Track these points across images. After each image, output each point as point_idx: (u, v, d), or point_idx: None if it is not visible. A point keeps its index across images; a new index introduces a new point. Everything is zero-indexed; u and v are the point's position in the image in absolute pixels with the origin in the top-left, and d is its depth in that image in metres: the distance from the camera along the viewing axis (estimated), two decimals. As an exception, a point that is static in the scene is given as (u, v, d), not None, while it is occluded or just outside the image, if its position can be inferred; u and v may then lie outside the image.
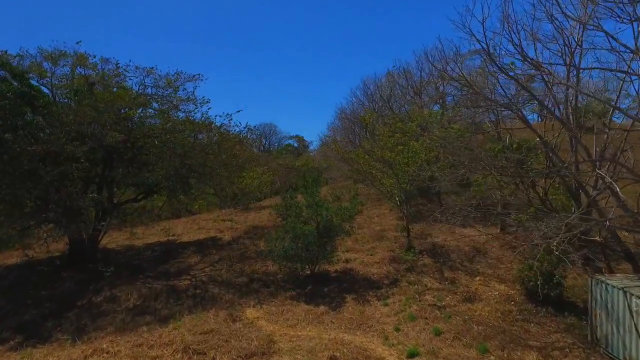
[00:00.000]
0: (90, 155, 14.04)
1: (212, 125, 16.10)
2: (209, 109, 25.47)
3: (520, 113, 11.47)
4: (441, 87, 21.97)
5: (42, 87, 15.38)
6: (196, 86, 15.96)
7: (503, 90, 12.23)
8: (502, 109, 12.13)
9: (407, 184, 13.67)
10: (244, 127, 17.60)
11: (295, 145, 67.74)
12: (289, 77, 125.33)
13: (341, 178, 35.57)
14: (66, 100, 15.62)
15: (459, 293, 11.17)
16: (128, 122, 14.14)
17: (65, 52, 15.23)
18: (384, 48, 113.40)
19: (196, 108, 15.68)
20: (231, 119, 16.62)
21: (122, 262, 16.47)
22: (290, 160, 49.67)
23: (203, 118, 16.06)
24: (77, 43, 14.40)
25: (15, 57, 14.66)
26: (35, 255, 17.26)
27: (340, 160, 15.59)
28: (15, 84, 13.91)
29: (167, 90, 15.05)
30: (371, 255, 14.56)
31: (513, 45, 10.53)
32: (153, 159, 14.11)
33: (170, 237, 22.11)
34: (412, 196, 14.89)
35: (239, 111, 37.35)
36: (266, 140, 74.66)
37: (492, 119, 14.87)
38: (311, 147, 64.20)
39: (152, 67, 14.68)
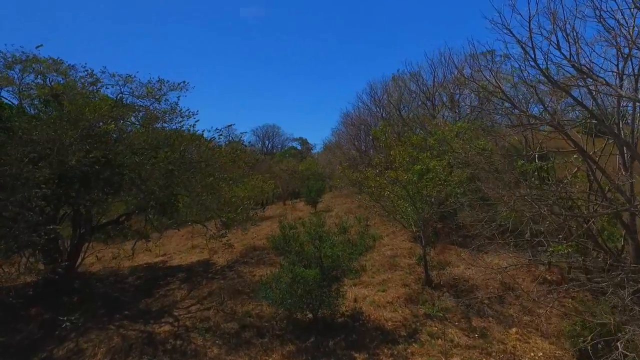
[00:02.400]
0: (61, 177, 12.15)
1: (202, 140, 14.12)
2: (196, 121, 23.43)
3: (567, 134, 9.49)
4: (456, 93, 19.89)
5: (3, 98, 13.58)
6: (180, 96, 14.01)
7: (542, 103, 10.24)
8: (546, 126, 10.06)
9: (426, 211, 11.64)
10: (241, 133, 15.57)
11: (299, 147, 65.82)
12: (294, 79, 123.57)
13: (345, 186, 33.63)
14: (35, 112, 13.76)
15: (493, 354, 9.13)
16: (103, 137, 12.17)
17: (36, 57, 13.39)
18: (393, 50, 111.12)
19: (182, 121, 13.70)
20: (221, 134, 14.63)
21: (101, 292, 14.61)
22: (293, 164, 47.77)
23: (189, 132, 14.09)
24: (37, 47, 12.47)
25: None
26: (10, 280, 15.42)
27: (348, 183, 13.40)
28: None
29: (148, 101, 13.08)
30: (383, 291, 12.55)
31: (559, 49, 8.59)
32: (130, 179, 12.14)
33: (160, 258, 20.29)
34: (431, 223, 12.86)
35: (229, 126, 35.29)
36: (269, 142, 72.91)
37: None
38: (315, 150, 62.27)
39: (131, 75, 12.76)
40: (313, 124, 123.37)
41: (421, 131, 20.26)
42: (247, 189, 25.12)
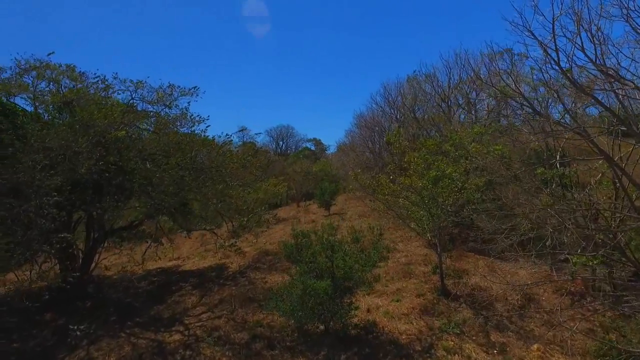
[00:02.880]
0: (74, 183, 12.18)
1: (213, 145, 13.98)
2: (207, 126, 23.43)
3: (594, 141, 8.96)
4: (473, 94, 19.31)
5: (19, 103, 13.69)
6: (190, 101, 13.88)
7: (565, 108, 9.73)
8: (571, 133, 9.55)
9: (442, 219, 11.23)
10: (255, 134, 15.42)
11: (313, 148, 65.58)
12: (308, 80, 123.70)
13: (359, 189, 33.29)
14: (49, 118, 13.84)
15: (514, 373, 8.70)
16: (114, 144, 12.14)
17: (49, 63, 13.48)
18: (407, 51, 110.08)
19: (192, 126, 13.59)
20: (231, 140, 14.46)
21: (113, 298, 14.65)
22: (307, 165, 47.58)
23: (200, 136, 13.98)
24: (49, 54, 12.53)
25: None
26: (25, 286, 15.58)
27: (363, 191, 13.06)
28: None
29: (159, 107, 12.99)
30: (397, 301, 12.19)
31: (583, 51, 8.10)
32: (141, 186, 12.07)
33: (173, 261, 20.33)
34: (446, 229, 12.44)
35: (242, 129, 35.39)
36: (283, 143, 72.90)
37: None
38: (329, 151, 61.92)
39: (142, 81, 12.68)
40: (327, 125, 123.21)
41: (437, 134, 19.77)
42: (260, 192, 25.05)
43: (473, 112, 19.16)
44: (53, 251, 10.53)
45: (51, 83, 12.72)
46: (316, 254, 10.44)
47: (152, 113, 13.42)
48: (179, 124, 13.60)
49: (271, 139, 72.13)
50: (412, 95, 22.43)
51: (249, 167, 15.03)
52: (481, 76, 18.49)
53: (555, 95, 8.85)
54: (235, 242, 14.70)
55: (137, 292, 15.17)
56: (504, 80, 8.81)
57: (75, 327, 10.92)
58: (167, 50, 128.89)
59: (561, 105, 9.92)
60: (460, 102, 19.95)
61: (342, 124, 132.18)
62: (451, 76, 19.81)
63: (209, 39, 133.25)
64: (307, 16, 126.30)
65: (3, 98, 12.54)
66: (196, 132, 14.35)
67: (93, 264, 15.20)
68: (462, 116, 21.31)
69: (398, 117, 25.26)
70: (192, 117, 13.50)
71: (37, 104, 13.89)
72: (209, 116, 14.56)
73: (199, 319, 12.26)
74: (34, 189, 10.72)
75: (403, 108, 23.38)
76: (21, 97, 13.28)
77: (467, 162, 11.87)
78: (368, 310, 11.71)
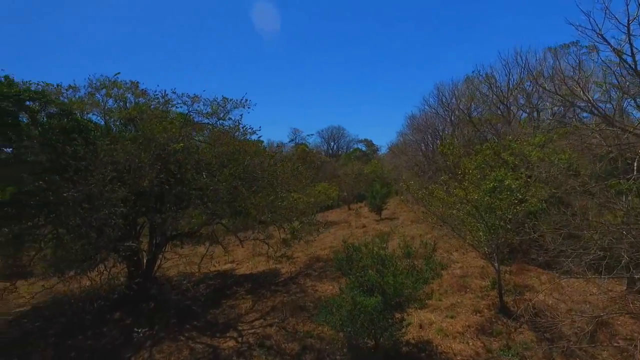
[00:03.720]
0: (138, 193, 13.06)
1: (264, 154, 14.31)
2: (259, 137, 24.04)
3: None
4: (534, 97, 18.00)
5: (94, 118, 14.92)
6: (243, 113, 14.32)
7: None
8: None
9: (500, 234, 10.58)
10: (307, 135, 15.56)
11: (364, 149, 65.03)
12: (361, 80, 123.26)
13: (411, 200, 32.42)
14: (117, 130, 14.95)
15: (583, 407, 7.97)
16: (172, 157, 12.81)
17: (116, 81, 14.56)
18: (461, 52, 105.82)
19: (245, 137, 13.99)
20: (281, 150, 14.70)
21: (174, 300, 15.51)
22: (358, 167, 47.31)
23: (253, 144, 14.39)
24: (116, 75, 13.49)
25: (67, 89, 14.26)
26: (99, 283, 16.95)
27: (416, 202, 12.67)
28: (66, 119, 13.41)
29: (212, 119, 13.55)
30: (452, 317, 11.69)
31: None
32: (197, 196, 12.64)
33: (229, 264, 21.10)
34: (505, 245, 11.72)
35: (291, 141, 35.95)
36: (334, 143, 73.08)
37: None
38: (380, 152, 61.11)
39: (198, 95, 13.30)
40: (378, 126, 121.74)
41: (494, 137, 18.70)
42: (311, 196, 25.24)
43: (535, 115, 17.85)
44: (120, 258, 11.34)
45: (118, 100, 13.68)
46: (366, 267, 10.30)
47: (207, 125, 14.02)
48: (232, 134, 14.07)
49: (322, 140, 72.71)
50: (468, 96, 21.38)
51: (299, 176, 15.22)
52: (544, 75, 17.24)
53: (634, 102, 7.97)
54: (285, 253, 14.92)
55: (196, 295, 15.92)
56: (569, 88, 8.08)
57: (140, 330, 11.67)
58: (218, 58, 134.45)
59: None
60: (521, 104, 18.70)
61: (393, 124, 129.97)
62: (510, 76, 18.65)
63: (256, 40, 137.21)
64: (358, 15, 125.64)
65: (78, 115, 13.68)
66: (249, 137, 14.86)
67: (156, 267, 16.19)
68: (523, 114, 20.01)
69: (452, 119, 24.25)
70: (244, 128, 13.93)
71: (107, 118, 15.07)
72: (260, 127, 15.17)
73: (252, 325, 12.60)
74: (103, 200, 11.64)
75: (457, 110, 22.38)
76: (93, 114, 14.42)
77: (527, 171, 11.06)
78: (420, 326, 11.35)
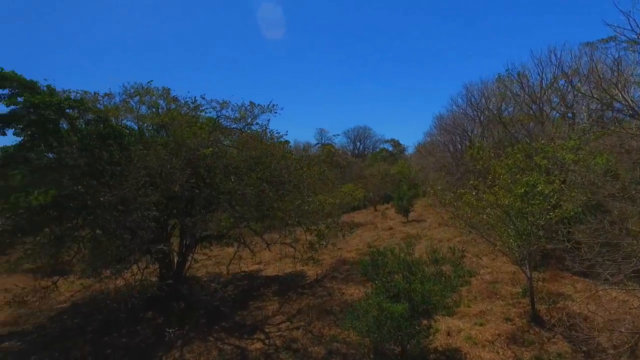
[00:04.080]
0: (169, 197, 13.49)
1: (291, 158, 14.47)
2: (286, 141, 24.34)
3: None
4: (569, 96, 17.30)
5: (129, 124, 15.52)
6: (270, 118, 14.57)
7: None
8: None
9: (532, 241, 10.26)
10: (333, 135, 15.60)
11: (390, 149, 64.41)
12: (387, 80, 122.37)
13: (439, 205, 31.84)
14: (149, 135, 15.49)
15: None
16: (202, 162, 13.16)
17: (149, 87, 15.09)
18: (489, 51, 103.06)
19: (272, 142, 14.18)
20: (307, 151, 14.84)
21: (203, 300, 15.88)
22: (384, 167, 46.92)
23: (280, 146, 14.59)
24: (149, 82, 13.96)
25: (103, 96, 14.91)
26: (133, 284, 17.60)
27: (443, 207, 12.46)
28: (102, 125, 14.02)
29: (240, 124, 13.82)
30: (481, 325, 11.43)
31: None
32: (226, 200, 12.92)
33: (256, 265, 21.41)
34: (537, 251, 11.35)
35: (318, 143, 36.04)
36: (360, 144, 72.80)
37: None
38: (407, 152, 60.34)
39: (226, 100, 13.62)
40: (406, 125, 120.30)
41: (526, 138, 18.12)
42: (337, 197, 25.23)
43: (570, 115, 17.14)
44: (152, 260, 11.74)
45: (151, 107, 14.17)
46: (392, 273, 10.24)
47: (235, 130, 14.31)
48: (259, 139, 14.30)
49: (348, 140, 72.55)
50: (499, 96, 20.77)
51: (325, 180, 15.28)
52: (580, 73, 16.59)
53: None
54: (312, 256, 15.04)
55: (224, 296, 16.26)
56: (605, 90, 7.76)
57: (171, 330, 12.05)
58: (242, 59, 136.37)
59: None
60: (555, 104, 18.02)
61: (420, 125, 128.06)
62: (543, 75, 17.98)
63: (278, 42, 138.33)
64: (386, 16, 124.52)
65: (113, 121, 14.26)
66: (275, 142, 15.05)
67: (186, 267, 16.66)
68: (557, 115, 19.26)
69: (482, 119, 23.64)
70: (271, 133, 14.13)
71: (140, 123, 15.63)
72: (287, 132, 15.26)
73: (279, 328, 12.77)
74: (137, 204, 12.09)
75: (487, 110, 21.79)
76: (127, 119, 14.99)
77: (561, 175, 10.67)
78: (448, 334, 11.16)
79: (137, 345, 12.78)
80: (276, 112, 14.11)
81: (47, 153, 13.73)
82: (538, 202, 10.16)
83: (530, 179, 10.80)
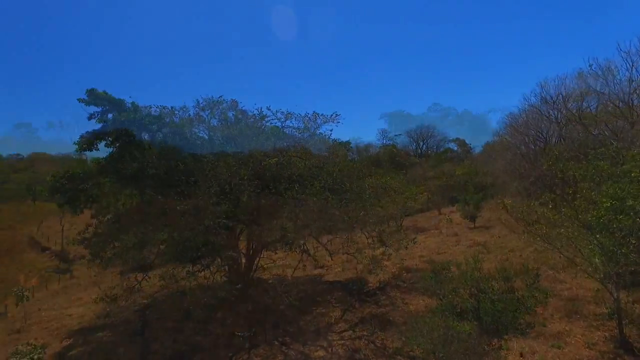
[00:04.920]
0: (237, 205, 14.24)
1: (353, 166, 14.55)
2: (347, 150, 24.37)
3: None
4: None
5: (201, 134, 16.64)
6: (332, 128, 14.83)
7: None
8: None
9: (621, 261, 9.29)
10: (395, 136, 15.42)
11: (455, 148, 61.77)
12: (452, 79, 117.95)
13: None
14: (218, 144, 16.44)
15: None
16: (267, 172, 13.70)
17: (220, 100, 16.06)
18: (566, 47, 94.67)
19: (334, 151, 14.38)
20: (368, 150, 14.78)
21: (269, 304, 16.50)
22: (448, 169, 45.23)
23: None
24: (220, 97, 14.82)
25: (179, 110, 16.13)
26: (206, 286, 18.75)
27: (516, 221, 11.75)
28: (177, 137, 15.16)
29: (304, 134, 14.19)
30: (558, 348, 10.57)
31: None
32: (289, 209, 13.37)
33: (318, 269, 21.72)
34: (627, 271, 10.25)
35: (383, 130, 35.42)
36: (423, 143, 70.77)
37: None
38: (474, 151, 57.42)
39: (291, 112, 14.09)
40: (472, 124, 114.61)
41: (611, 141, 16.43)
42: (399, 203, 24.80)
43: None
44: (223, 265, 12.49)
45: (221, 119, 15.07)
46: (458, 289, 9.90)
47: (299, 140, 14.72)
48: (321, 148, 14.58)
49: (411, 139, 70.70)
50: (579, 94, 18.98)
51: (388, 190, 15.14)
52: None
53: None
54: (375, 267, 15.01)
55: (289, 300, 16.75)
56: None
57: (240, 334, 12.72)
58: (304, 64, 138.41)
59: None
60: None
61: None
62: (633, 70, 16.07)
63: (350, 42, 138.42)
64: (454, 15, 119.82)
65: (187, 134, 15.36)
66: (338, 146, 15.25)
67: (253, 270, 17.45)
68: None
69: (559, 118, 21.76)
70: (334, 142, 14.33)
71: (211, 134, 16.66)
72: (349, 141, 15.41)
73: (341, 336, 12.89)
74: (208, 213, 12.93)
75: (564, 109, 20.00)
76: (199, 131, 16.07)
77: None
78: (521, 355, 10.44)
79: (209, 344, 13.64)
80: (338, 122, 14.30)
81: (133, 163, 15.19)
82: (628, 217, 9.18)
83: (618, 191, 9.80)
